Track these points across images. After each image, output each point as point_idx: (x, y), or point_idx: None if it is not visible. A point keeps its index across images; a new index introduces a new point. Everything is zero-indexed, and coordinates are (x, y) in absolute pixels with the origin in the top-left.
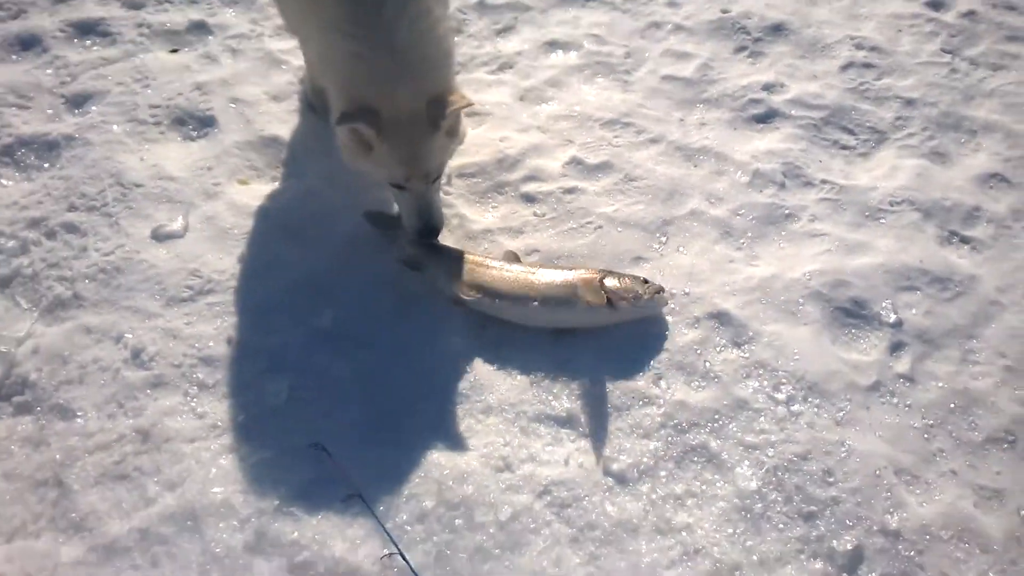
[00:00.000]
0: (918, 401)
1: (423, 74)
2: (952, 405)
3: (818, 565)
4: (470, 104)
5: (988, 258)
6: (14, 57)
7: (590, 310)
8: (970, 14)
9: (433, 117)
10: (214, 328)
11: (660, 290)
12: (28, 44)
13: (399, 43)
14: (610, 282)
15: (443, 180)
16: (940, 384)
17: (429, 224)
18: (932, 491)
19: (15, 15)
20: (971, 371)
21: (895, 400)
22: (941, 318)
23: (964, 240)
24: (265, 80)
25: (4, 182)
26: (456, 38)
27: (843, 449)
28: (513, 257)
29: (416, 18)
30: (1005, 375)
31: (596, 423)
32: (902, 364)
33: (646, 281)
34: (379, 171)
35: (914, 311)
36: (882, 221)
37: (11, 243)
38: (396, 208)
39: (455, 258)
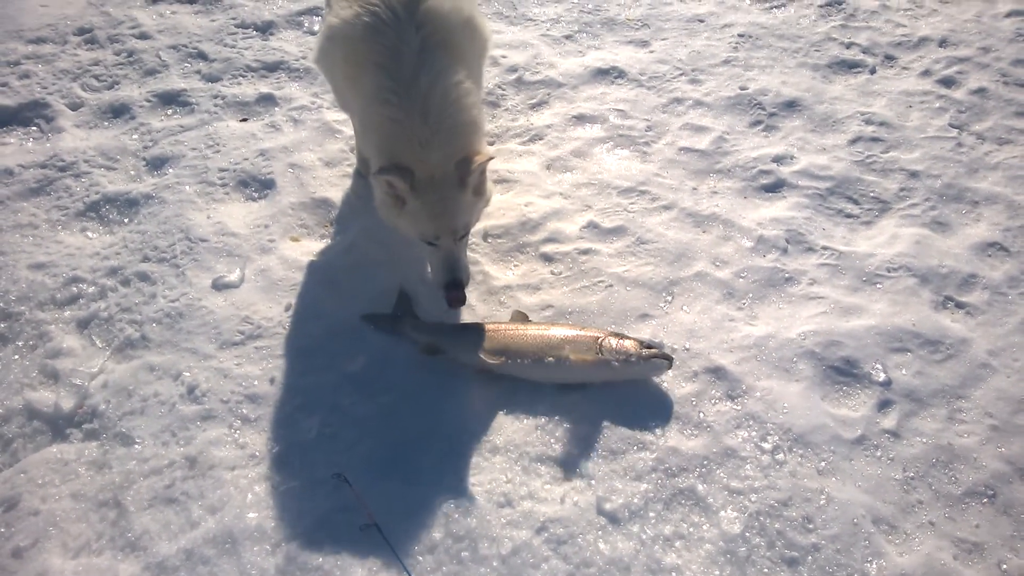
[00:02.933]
0: (901, 455)
1: (453, 138)
2: (934, 460)
3: None
4: (492, 157)
5: (981, 323)
6: (105, 123)
7: (587, 367)
8: (980, 91)
9: (461, 176)
10: (260, 369)
11: (660, 356)
12: (119, 112)
13: (432, 110)
14: (609, 342)
15: (471, 238)
16: (924, 440)
17: (455, 278)
18: (911, 541)
19: (110, 86)
20: (956, 429)
21: (878, 453)
22: (930, 378)
23: (959, 305)
24: (320, 148)
25: (89, 234)
26: (492, 112)
27: (823, 497)
28: (522, 317)
29: (448, 89)
30: (990, 433)
31: (592, 465)
32: (888, 420)
33: (649, 346)
34: (411, 227)
35: (904, 371)
36: (878, 286)
37: (91, 289)
38: (397, 302)
39: (470, 330)
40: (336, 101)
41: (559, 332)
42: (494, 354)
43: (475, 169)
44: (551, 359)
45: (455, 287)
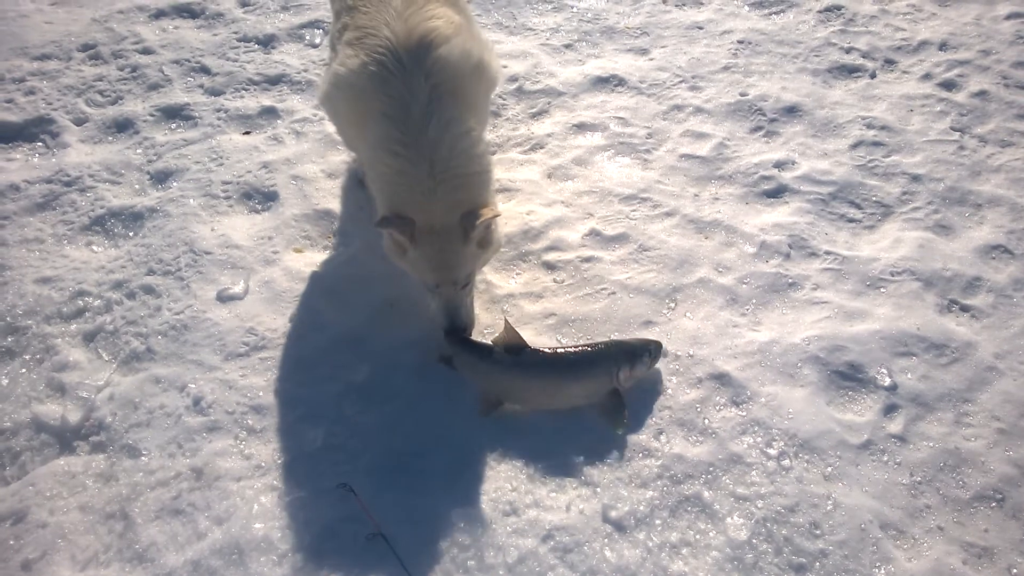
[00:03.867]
0: (908, 459)
1: (458, 190)
2: (942, 464)
3: None
4: (498, 215)
5: (987, 326)
6: (110, 138)
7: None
8: (981, 94)
9: (465, 229)
10: (265, 380)
11: (649, 355)
12: (123, 127)
13: (439, 162)
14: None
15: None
16: (931, 444)
17: (456, 324)
18: (919, 546)
19: (114, 101)
20: (963, 433)
21: (885, 458)
22: (936, 382)
23: (964, 308)
24: (323, 159)
25: (95, 248)
26: (493, 121)
27: (829, 502)
28: (513, 332)
29: (457, 139)
30: (998, 437)
31: (597, 473)
32: (895, 425)
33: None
34: (413, 272)
35: (910, 375)
36: (882, 290)
37: (97, 302)
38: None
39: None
40: (341, 139)
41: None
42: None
43: (479, 224)
44: (555, 396)
45: (456, 332)
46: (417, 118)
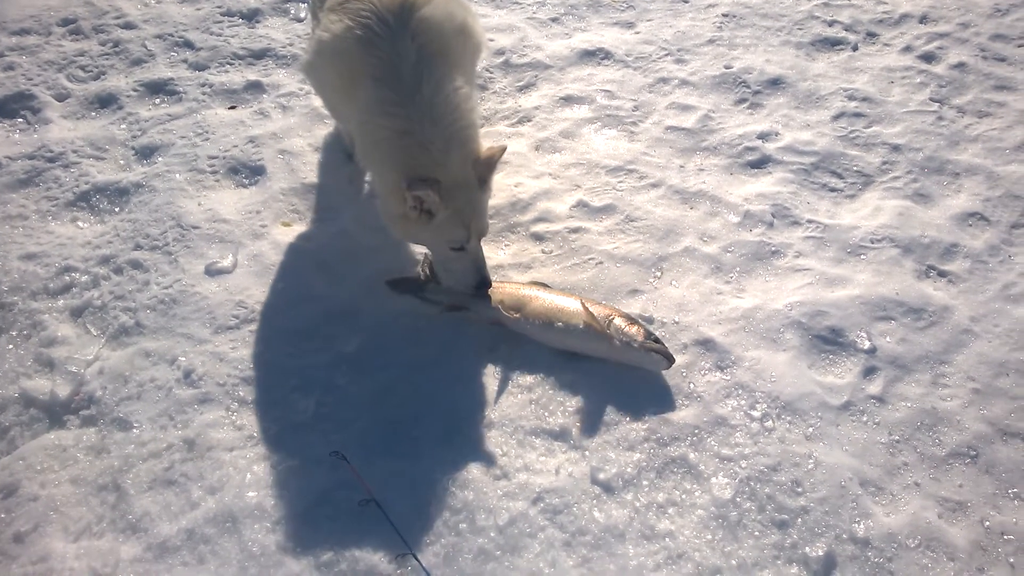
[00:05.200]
0: (886, 419)
1: (466, 140)
2: (919, 423)
3: (793, 570)
4: (505, 149)
5: (963, 290)
6: (93, 114)
7: (593, 339)
8: (960, 66)
9: (481, 176)
10: (255, 352)
11: (661, 352)
12: (106, 102)
13: (440, 117)
14: (618, 322)
15: None
16: (909, 404)
17: (486, 277)
18: (897, 502)
19: (96, 76)
20: (940, 393)
21: (864, 418)
22: (914, 345)
23: (941, 274)
24: (310, 133)
25: (80, 224)
26: (481, 95)
27: (811, 461)
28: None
29: (451, 95)
30: (973, 396)
31: (586, 436)
32: (874, 386)
33: (657, 340)
34: (440, 236)
35: (888, 339)
36: (862, 257)
37: (84, 278)
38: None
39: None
40: (326, 108)
41: (572, 303)
42: (511, 309)
43: (495, 165)
44: (560, 324)
45: (485, 286)
46: (408, 79)
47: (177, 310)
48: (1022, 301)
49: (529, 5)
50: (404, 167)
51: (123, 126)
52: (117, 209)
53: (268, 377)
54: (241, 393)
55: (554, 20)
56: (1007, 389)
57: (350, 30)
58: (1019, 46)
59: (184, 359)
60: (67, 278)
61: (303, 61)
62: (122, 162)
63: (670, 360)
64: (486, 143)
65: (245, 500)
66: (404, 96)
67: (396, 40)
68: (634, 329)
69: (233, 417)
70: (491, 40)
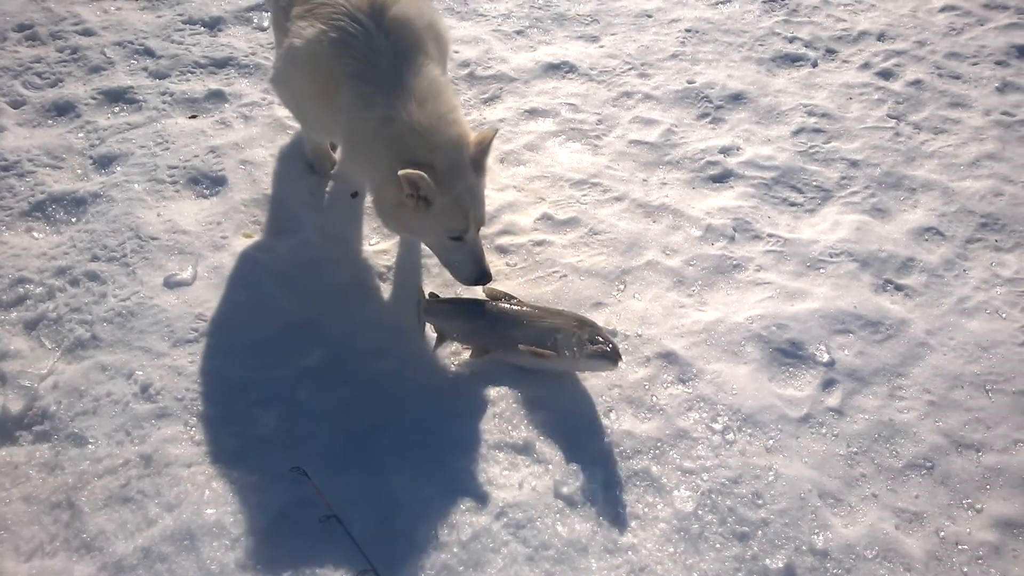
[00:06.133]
0: (845, 431)
1: (453, 122)
2: (876, 435)
3: None
4: (497, 131)
5: (919, 304)
6: (49, 122)
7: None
8: (916, 83)
9: (475, 160)
10: (215, 366)
11: (600, 353)
12: (63, 110)
13: (424, 98)
14: (560, 336)
15: None
16: (866, 416)
17: (485, 270)
18: (855, 513)
19: (53, 83)
20: (897, 405)
21: (823, 430)
22: (872, 358)
23: (898, 288)
24: (272, 144)
25: (35, 235)
26: None
27: (771, 473)
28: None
29: (433, 79)
30: (928, 408)
31: (549, 450)
32: (832, 399)
33: (603, 340)
34: (437, 226)
35: (847, 352)
36: (821, 271)
37: (39, 289)
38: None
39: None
40: (298, 120)
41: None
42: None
43: (488, 147)
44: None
45: (487, 278)
46: (387, 71)
47: (135, 323)
48: (976, 314)
49: (494, 17)
50: (395, 152)
51: (81, 135)
52: (74, 219)
53: (228, 391)
54: (200, 408)
55: (519, 33)
56: (961, 401)
57: (323, 33)
58: (973, 64)
59: (141, 373)
60: (21, 290)
61: (272, 73)
62: (79, 171)
63: (614, 360)
64: None
65: (203, 517)
66: (385, 87)
67: (371, 38)
68: (574, 338)
69: (191, 432)
70: (456, 52)
